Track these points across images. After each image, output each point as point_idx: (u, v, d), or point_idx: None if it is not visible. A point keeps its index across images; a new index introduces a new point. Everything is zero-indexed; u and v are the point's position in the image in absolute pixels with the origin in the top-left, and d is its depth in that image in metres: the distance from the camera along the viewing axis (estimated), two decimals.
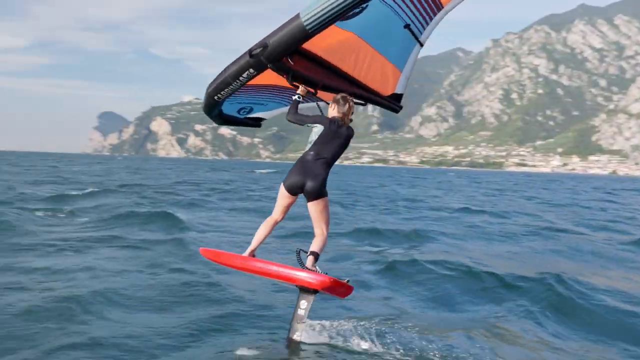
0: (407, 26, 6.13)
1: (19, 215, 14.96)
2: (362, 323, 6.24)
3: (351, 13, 5.25)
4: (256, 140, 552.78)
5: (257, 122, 7.85)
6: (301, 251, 5.69)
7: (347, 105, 5.84)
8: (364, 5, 5.24)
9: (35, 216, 15.69)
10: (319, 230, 5.78)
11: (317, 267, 5.62)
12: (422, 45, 6.55)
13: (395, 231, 15.58)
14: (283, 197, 5.80)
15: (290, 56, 5.35)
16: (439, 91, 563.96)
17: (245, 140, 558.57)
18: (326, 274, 5.54)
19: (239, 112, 7.18)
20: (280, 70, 5.46)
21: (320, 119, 5.83)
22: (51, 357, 5.25)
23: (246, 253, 5.99)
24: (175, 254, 10.68)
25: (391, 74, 6.80)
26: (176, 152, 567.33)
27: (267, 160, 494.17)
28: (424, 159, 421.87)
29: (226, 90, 5.75)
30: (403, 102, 7.32)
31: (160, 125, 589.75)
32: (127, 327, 6.23)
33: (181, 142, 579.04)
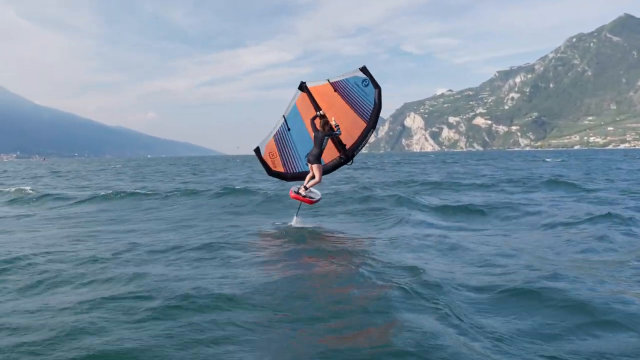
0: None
1: None
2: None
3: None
4: (514, 128, 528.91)
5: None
6: (303, 186, 12.12)
7: (319, 122, 11.72)
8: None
9: None
10: (315, 176, 11.79)
11: (303, 192, 12.06)
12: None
13: None
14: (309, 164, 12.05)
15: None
16: None
17: (502, 129, 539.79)
18: (304, 195, 12.07)
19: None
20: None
21: (314, 132, 11.81)
22: None
23: (301, 188, 12.11)
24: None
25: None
26: (430, 146, 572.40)
27: (527, 148, 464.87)
28: None
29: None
30: None
31: (413, 121, 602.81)
32: None
33: (434, 135, 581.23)
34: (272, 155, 12.28)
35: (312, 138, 11.84)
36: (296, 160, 12.45)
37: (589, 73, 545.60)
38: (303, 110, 12.10)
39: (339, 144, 12.13)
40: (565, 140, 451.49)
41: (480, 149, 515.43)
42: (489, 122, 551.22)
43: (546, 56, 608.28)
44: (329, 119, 11.65)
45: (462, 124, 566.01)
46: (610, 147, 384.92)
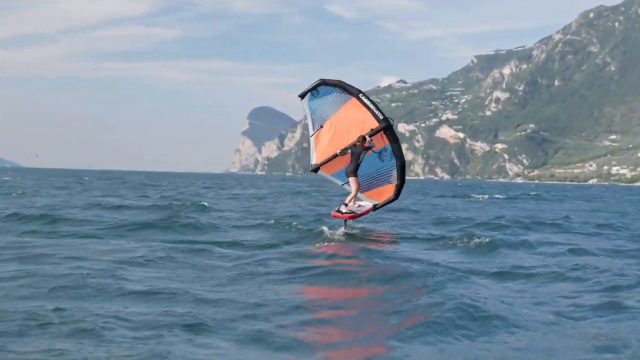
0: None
1: None
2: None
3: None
4: (499, 146, 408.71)
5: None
6: (343, 203, 14.50)
7: (357, 140, 14.18)
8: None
9: None
10: (352, 190, 14.41)
11: (344, 209, 14.19)
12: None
13: None
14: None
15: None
16: None
17: (480, 147, 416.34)
18: (340, 212, 14.28)
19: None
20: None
21: (351, 147, 14.37)
22: None
23: (342, 206, 14.44)
24: None
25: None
26: None
27: (519, 180, 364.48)
28: None
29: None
30: None
31: None
32: None
33: None
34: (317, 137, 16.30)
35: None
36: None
37: (612, 67, 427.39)
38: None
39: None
40: (577, 171, 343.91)
41: (447, 177, 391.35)
42: (461, 135, 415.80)
43: (550, 37, 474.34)
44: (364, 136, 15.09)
45: (419, 136, 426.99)
46: None
